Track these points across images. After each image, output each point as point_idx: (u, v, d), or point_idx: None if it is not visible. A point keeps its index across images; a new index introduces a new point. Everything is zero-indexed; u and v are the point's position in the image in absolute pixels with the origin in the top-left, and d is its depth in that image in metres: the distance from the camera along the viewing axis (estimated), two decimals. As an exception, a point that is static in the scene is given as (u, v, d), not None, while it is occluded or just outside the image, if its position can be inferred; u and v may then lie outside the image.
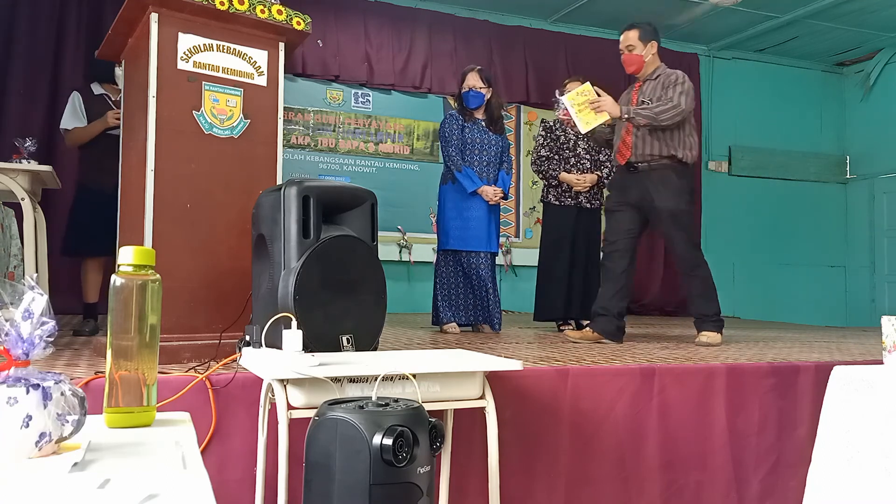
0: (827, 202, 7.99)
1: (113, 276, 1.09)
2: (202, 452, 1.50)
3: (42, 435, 0.84)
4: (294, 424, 1.57)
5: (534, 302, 4.43)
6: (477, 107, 4.12)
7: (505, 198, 4.18)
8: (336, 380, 1.61)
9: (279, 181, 2.52)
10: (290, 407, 1.59)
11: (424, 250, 6.17)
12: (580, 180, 4.21)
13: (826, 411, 1.72)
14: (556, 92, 3.64)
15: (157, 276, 1.12)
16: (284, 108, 2.65)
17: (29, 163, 3.23)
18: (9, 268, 3.60)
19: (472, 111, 4.13)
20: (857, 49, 7.59)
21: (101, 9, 5.24)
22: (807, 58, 7.82)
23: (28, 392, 0.83)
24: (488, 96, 4.12)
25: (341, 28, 6.12)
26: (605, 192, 4.03)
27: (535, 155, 4.44)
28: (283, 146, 2.67)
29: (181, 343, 2.26)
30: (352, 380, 1.63)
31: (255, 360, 1.73)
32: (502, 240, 5.58)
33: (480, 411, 1.83)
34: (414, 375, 1.63)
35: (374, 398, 1.42)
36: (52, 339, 0.91)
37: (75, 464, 0.81)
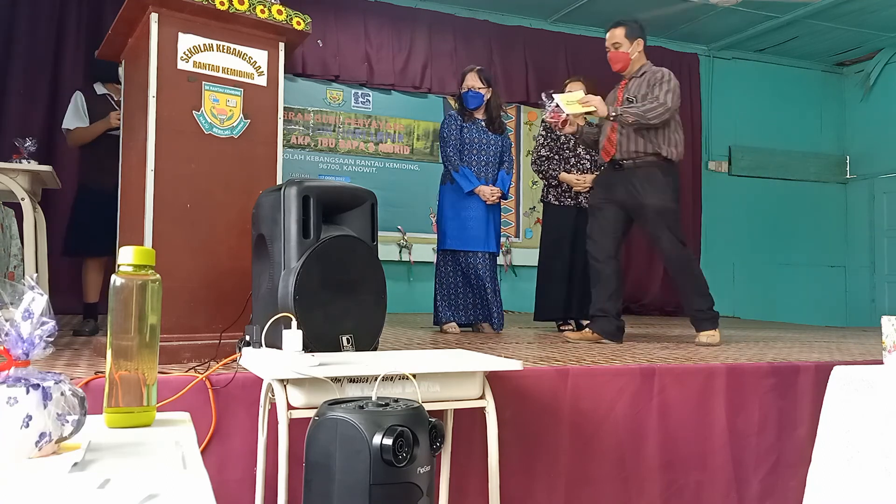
0: (827, 202, 7.99)
1: (113, 276, 1.09)
2: (202, 452, 1.50)
3: (42, 435, 0.84)
4: (294, 424, 1.57)
5: (534, 302, 4.43)
6: (476, 107, 4.12)
7: (504, 197, 4.18)
8: (336, 380, 1.61)
9: (279, 181, 2.52)
10: (290, 407, 1.59)
11: (424, 250, 6.17)
12: (580, 180, 4.21)
13: (826, 411, 1.72)
14: (543, 94, 3.62)
15: (157, 276, 1.12)
16: (284, 108, 2.65)
17: (29, 163, 3.23)
18: (9, 268, 3.60)
19: (471, 111, 4.13)
20: (857, 49, 7.59)
21: (101, 9, 5.24)
22: (807, 58, 7.82)
23: (28, 392, 0.83)
24: (488, 96, 4.12)
25: (341, 28, 6.12)
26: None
27: (535, 155, 4.44)
28: (283, 146, 2.67)
29: (181, 343, 2.26)
30: (352, 380, 1.63)
31: (255, 360, 1.73)
32: (502, 240, 5.57)
33: (480, 411, 1.83)
34: (414, 375, 1.63)
35: (374, 398, 1.42)
36: (52, 339, 0.91)
37: (75, 464, 0.81)
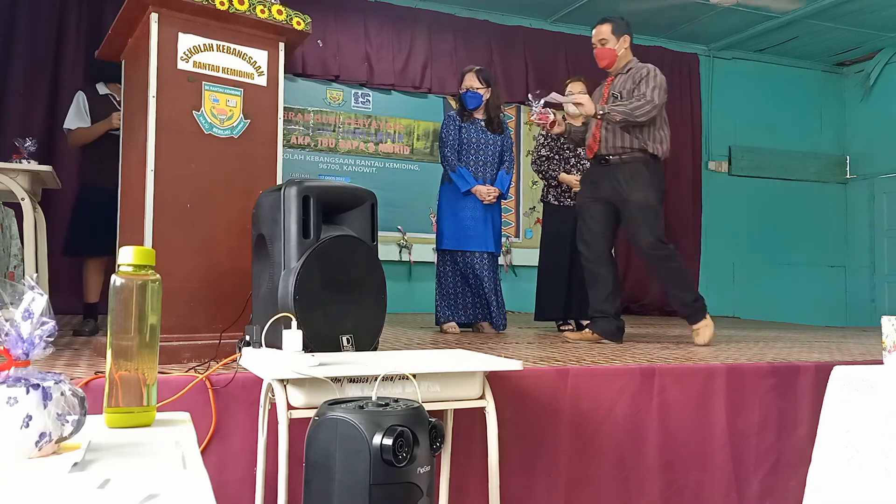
0: (827, 202, 8.00)
1: (113, 276, 1.09)
2: (202, 452, 1.50)
3: (42, 435, 0.84)
4: (294, 424, 1.57)
5: (534, 302, 4.43)
6: (475, 107, 4.12)
7: (504, 197, 4.18)
8: (336, 380, 1.61)
9: (279, 181, 2.52)
10: (290, 407, 1.59)
11: (424, 250, 6.17)
12: (580, 181, 4.21)
13: (826, 411, 1.72)
14: (529, 95, 3.61)
15: (157, 276, 1.12)
16: (284, 108, 2.65)
17: (29, 163, 3.23)
18: (9, 268, 3.60)
19: (471, 111, 4.13)
20: (857, 49, 7.60)
21: (101, 9, 5.24)
22: (807, 58, 7.82)
23: (28, 392, 0.83)
24: (486, 97, 4.12)
25: (341, 28, 6.12)
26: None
27: (535, 154, 4.44)
28: (283, 146, 2.67)
29: (181, 343, 2.26)
30: (352, 380, 1.63)
31: (255, 360, 1.73)
32: (502, 240, 5.56)
33: (480, 411, 1.83)
34: (414, 375, 1.63)
35: (374, 398, 1.42)
36: (52, 339, 0.91)
37: (75, 464, 0.81)
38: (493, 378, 1.88)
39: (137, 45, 2.51)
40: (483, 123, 4.13)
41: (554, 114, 3.54)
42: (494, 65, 6.46)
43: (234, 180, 2.45)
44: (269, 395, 1.78)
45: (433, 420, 1.41)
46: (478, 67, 4.17)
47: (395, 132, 6.43)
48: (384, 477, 1.30)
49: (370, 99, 6.35)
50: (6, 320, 0.87)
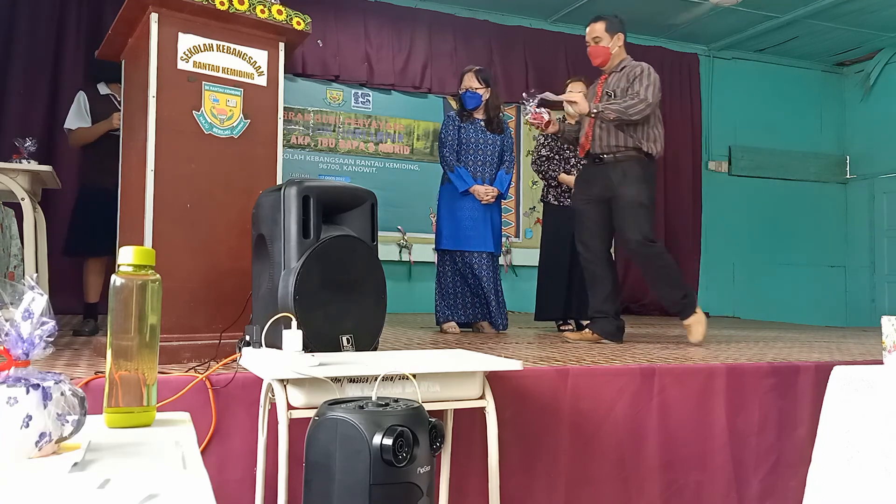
0: (827, 202, 8.00)
1: (113, 276, 1.09)
2: (202, 452, 1.50)
3: (42, 435, 0.84)
4: (294, 424, 1.57)
5: (534, 302, 4.43)
6: (475, 107, 4.12)
7: (503, 197, 4.18)
8: (336, 380, 1.61)
9: (279, 181, 2.52)
10: (290, 407, 1.59)
11: (424, 250, 6.17)
12: (574, 181, 4.21)
13: (826, 411, 1.72)
14: (524, 94, 3.60)
15: (157, 276, 1.12)
16: (284, 108, 2.65)
17: (29, 163, 3.23)
18: (9, 268, 3.60)
19: (470, 112, 4.13)
20: (857, 49, 7.60)
21: (101, 9, 5.24)
22: (807, 58, 7.83)
23: (28, 392, 0.83)
24: (486, 97, 4.12)
25: (341, 28, 6.12)
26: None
27: (535, 155, 4.44)
28: (283, 146, 2.67)
29: (181, 343, 2.26)
30: (352, 380, 1.63)
31: (255, 360, 1.73)
32: (502, 240, 5.55)
33: (480, 411, 1.83)
34: (414, 375, 1.63)
35: (374, 398, 1.42)
36: (52, 339, 0.91)
37: (75, 464, 0.81)
38: (493, 378, 1.88)
39: (137, 45, 2.51)
40: (483, 123, 4.13)
41: (549, 113, 3.53)
42: (494, 65, 6.46)
43: (234, 180, 2.45)
44: (269, 395, 1.78)
45: (433, 420, 1.41)
46: (477, 67, 4.16)
47: (395, 132, 6.43)
48: (384, 477, 1.30)
49: (370, 99, 6.35)
50: (6, 320, 0.87)
